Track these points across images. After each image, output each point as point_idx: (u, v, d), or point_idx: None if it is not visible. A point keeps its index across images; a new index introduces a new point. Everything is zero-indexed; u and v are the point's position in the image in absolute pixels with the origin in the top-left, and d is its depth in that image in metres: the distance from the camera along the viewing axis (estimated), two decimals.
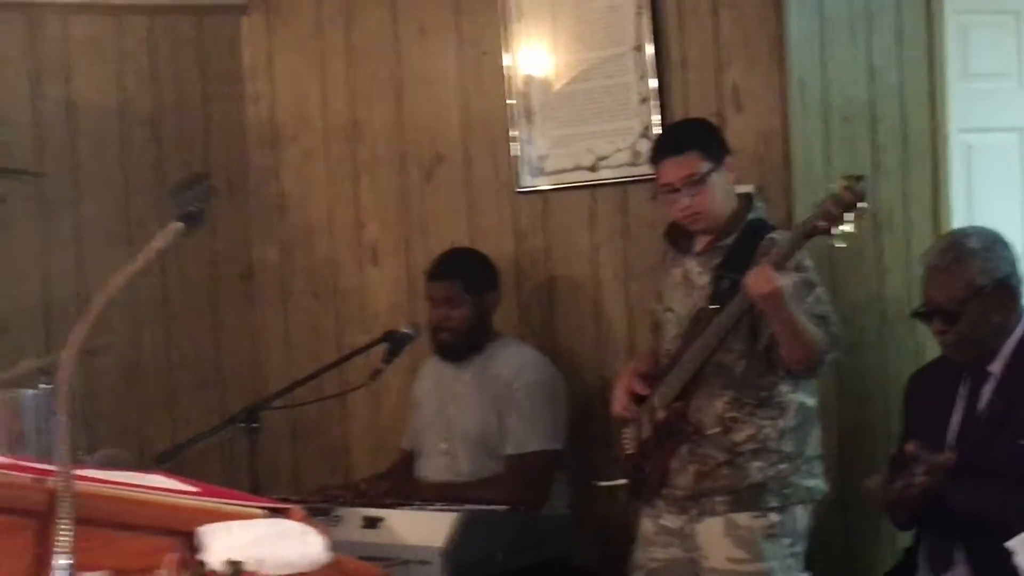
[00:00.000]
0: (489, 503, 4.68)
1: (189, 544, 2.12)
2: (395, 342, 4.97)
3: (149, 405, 5.78)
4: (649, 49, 4.98)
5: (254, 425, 4.46)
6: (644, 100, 5.01)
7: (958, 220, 5.01)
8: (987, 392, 4.04)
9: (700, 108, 4.88)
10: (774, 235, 4.25)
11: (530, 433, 4.94)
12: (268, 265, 5.96)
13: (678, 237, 4.46)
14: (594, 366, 5.21)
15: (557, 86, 5.23)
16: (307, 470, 5.80)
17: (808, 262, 4.22)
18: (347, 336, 5.72)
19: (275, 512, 2.27)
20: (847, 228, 3.89)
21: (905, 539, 4.39)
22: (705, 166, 4.29)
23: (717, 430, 4.29)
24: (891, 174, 4.97)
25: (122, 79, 5.75)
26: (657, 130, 4.91)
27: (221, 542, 2.07)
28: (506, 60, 5.32)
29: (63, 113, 5.66)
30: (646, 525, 4.49)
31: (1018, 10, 5.34)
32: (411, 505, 4.65)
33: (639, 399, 4.44)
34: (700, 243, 4.40)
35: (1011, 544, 3.45)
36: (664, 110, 4.96)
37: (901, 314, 4.71)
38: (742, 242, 4.27)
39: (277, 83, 5.89)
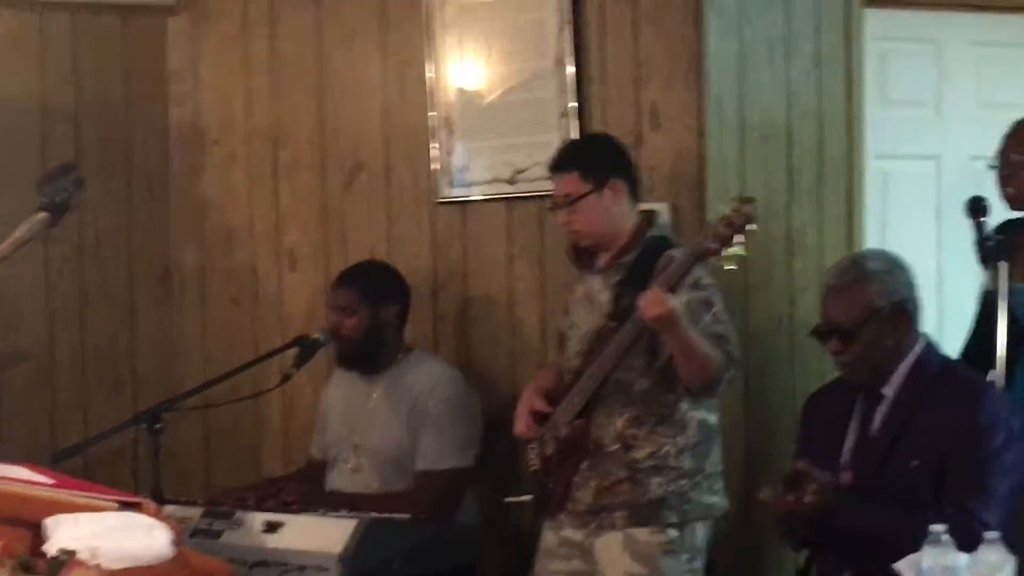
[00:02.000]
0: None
1: (38, 534, 2.11)
2: (305, 348, 4.97)
3: (62, 404, 5.73)
4: (570, 65, 5.00)
5: (157, 426, 4.42)
6: (563, 115, 5.04)
7: (871, 245, 5.06)
8: (880, 414, 4.06)
9: (618, 124, 4.92)
10: (673, 252, 4.28)
11: (442, 450, 4.94)
12: (187, 267, 5.93)
13: (581, 254, 4.49)
14: (508, 379, 5.22)
15: (479, 98, 5.25)
16: (218, 473, 5.78)
17: (708, 280, 4.25)
18: (263, 341, 5.69)
19: (128, 506, 2.26)
20: (737, 250, 3.94)
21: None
22: (582, 188, 4.35)
23: (617, 447, 4.32)
24: (806, 196, 5.00)
25: (43, 76, 5.71)
26: None
27: (65, 533, 2.06)
28: (429, 70, 5.33)
29: None
30: (548, 537, 4.51)
31: (938, 39, 5.40)
32: (313, 511, 4.63)
33: (542, 417, 4.45)
34: (601, 260, 4.42)
35: (899, 566, 3.49)
36: (583, 125, 4.98)
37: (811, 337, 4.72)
38: (642, 260, 4.31)
39: (201, 85, 5.86)
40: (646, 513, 4.32)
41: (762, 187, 4.91)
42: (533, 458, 4.50)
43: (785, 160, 4.97)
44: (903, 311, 4.06)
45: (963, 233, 4.51)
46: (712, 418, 4.40)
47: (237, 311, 5.84)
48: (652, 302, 4.03)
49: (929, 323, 4.38)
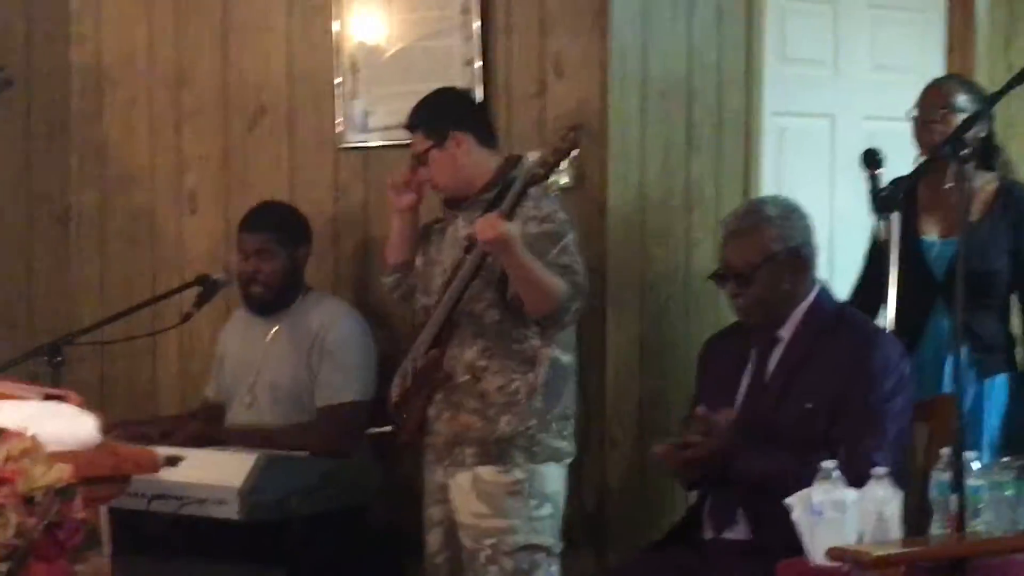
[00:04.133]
0: (295, 450, 4.74)
1: None
2: (207, 287, 5.00)
3: None
4: (475, 13, 5.04)
5: (58, 359, 4.43)
6: (468, 63, 5.07)
7: None
8: (775, 357, 4.16)
9: (522, 73, 4.97)
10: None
11: (342, 384, 4.97)
12: (86, 209, 5.92)
13: (449, 199, 4.58)
14: (407, 323, 5.24)
15: (384, 44, 5.27)
16: (114, 414, 5.74)
17: (561, 215, 4.35)
18: (162, 284, 5.69)
19: (51, 398, 2.30)
20: (563, 176, 4.18)
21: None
22: (426, 144, 4.49)
23: (467, 378, 4.38)
24: (704, 150, 5.07)
25: None
26: (479, 93, 4.99)
27: None
28: (334, 16, 5.34)
29: None
30: (429, 480, 4.55)
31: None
32: (213, 446, 4.67)
33: None
34: (467, 200, 4.51)
35: (789, 501, 3.59)
36: (487, 74, 5.03)
37: (707, 286, 4.81)
38: (500, 196, 4.35)
39: (103, 27, 5.85)
40: (494, 452, 4.36)
41: (661, 139, 4.99)
42: (395, 390, 4.56)
43: (684, 114, 5.04)
44: (799, 255, 4.17)
45: (855, 189, 4.63)
46: (566, 357, 4.43)
47: (136, 254, 5.84)
48: (486, 226, 4.14)
49: (821, 274, 4.48)
